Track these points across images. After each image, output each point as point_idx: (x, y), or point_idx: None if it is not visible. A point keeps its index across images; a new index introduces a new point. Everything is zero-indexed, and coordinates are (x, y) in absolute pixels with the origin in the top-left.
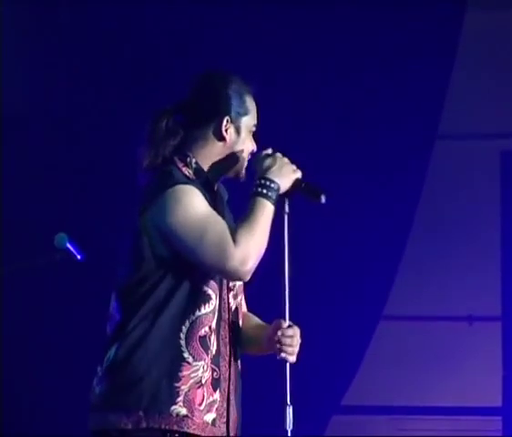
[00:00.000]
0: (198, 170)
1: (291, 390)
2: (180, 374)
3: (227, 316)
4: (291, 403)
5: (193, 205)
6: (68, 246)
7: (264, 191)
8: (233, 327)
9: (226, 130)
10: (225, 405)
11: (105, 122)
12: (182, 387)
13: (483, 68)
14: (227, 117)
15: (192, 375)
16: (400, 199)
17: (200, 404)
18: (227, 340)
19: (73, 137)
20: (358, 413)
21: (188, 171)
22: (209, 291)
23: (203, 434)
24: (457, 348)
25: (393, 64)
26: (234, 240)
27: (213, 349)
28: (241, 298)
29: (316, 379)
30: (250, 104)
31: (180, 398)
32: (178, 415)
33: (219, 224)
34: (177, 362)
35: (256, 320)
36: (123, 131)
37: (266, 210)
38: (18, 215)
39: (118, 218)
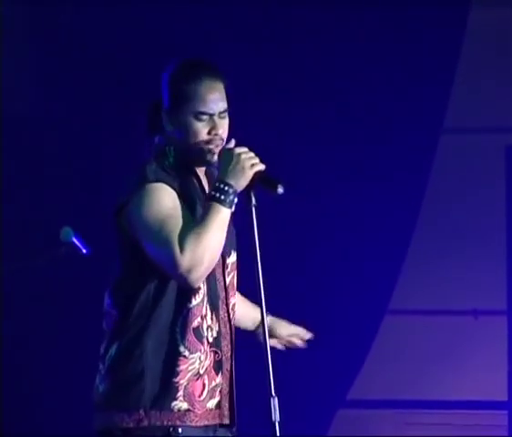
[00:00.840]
0: (177, 160)
1: (295, 383)
2: (178, 369)
3: (224, 294)
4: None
5: (153, 207)
6: (74, 240)
7: (217, 195)
8: (229, 305)
9: (167, 121)
10: (228, 384)
11: (105, 120)
12: (181, 381)
13: (488, 63)
14: (165, 108)
15: (190, 368)
16: (405, 194)
17: (201, 395)
18: (226, 319)
19: (73, 136)
20: (363, 407)
21: (167, 161)
22: None
23: (207, 423)
24: (463, 342)
25: (397, 59)
26: (181, 248)
27: (212, 333)
28: (234, 275)
29: (322, 373)
30: (193, 90)
31: (180, 392)
32: (179, 410)
33: (172, 229)
34: (174, 357)
35: (247, 304)
36: (124, 129)
37: (219, 215)
38: (19, 212)
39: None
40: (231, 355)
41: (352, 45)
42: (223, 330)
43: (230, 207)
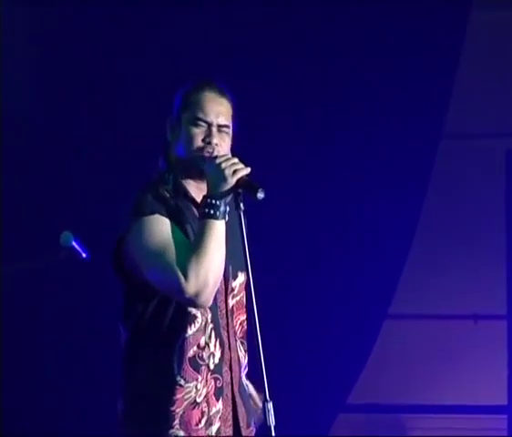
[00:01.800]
0: (176, 185)
1: (295, 387)
2: (174, 398)
3: (225, 321)
4: (271, 399)
5: (151, 239)
6: (74, 244)
7: (207, 210)
8: (230, 331)
9: (169, 130)
10: (229, 410)
11: (106, 121)
12: (177, 410)
13: (487, 67)
14: (168, 119)
15: (186, 397)
16: (405, 199)
17: (198, 424)
18: (227, 345)
19: (73, 138)
20: (363, 412)
21: (165, 188)
22: (194, 311)
23: None
24: (463, 346)
25: (397, 64)
26: (184, 275)
27: (214, 359)
28: (242, 295)
29: (322, 377)
30: (195, 98)
31: (176, 421)
32: None
33: (173, 259)
34: (170, 386)
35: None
36: (125, 130)
37: (214, 231)
38: (19, 215)
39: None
40: (231, 380)
41: (350, 47)
42: (225, 355)
43: (223, 218)
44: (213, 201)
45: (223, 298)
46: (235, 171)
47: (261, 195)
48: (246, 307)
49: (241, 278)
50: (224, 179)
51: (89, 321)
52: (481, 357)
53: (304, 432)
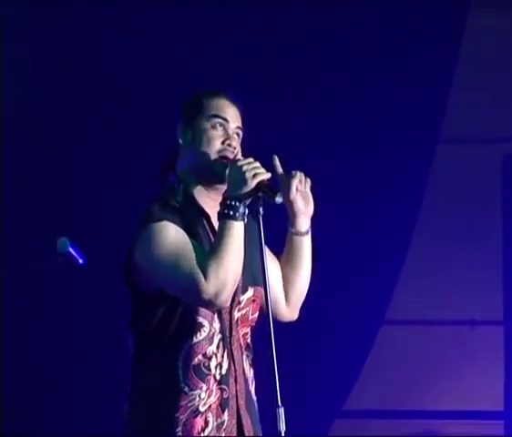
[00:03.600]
0: (186, 196)
1: (291, 393)
2: (179, 404)
3: (229, 333)
4: (283, 405)
5: (164, 243)
6: (70, 250)
7: (227, 211)
8: (233, 343)
9: (182, 136)
10: (234, 422)
11: (106, 123)
12: (181, 417)
13: (485, 72)
14: (179, 122)
15: (189, 405)
16: (402, 204)
17: (200, 432)
18: (231, 357)
19: (74, 138)
20: (360, 417)
21: (175, 199)
22: (200, 319)
23: None
24: (459, 352)
25: (394, 67)
26: (204, 275)
27: (221, 370)
28: (249, 309)
29: (318, 382)
30: (210, 102)
31: (179, 428)
32: None
33: (190, 260)
34: (175, 392)
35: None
36: (124, 133)
37: (233, 232)
38: (18, 219)
39: (119, 221)
40: (237, 392)
41: (347, 49)
42: (232, 367)
43: (242, 219)
44: (232, 202)
45: (228, 310)
46: (255, 175)
47: (279, 199)
48: (252, 320)
49: (250, 293)
50: (244, 182)
51: (87, 325)
52: (478, 363)
53: None
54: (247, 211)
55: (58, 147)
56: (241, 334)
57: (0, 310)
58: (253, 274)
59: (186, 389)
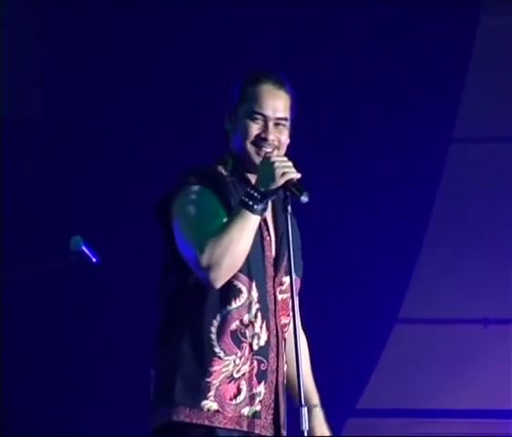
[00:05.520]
0: (234, 167)
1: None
2: (212, 369)
3: (273, 307)
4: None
5: (186, 208)
6: (83, 248)
7: (246, 200)
8: (278, 319)
9: (228, 121)
10: (273, 397)
11: (109, 122)
12: (213, 382)
13: (498, 71)
14: (228, 109)
15: (223, 370)
16: (415, 203)
17: (233, 398)
18: (275, 332)
19: (75, 138)
20: (373, 416)
21: (223, 169)
22: (240, 285)
23: (239, 428)
24: (472, 350)
25: (407, 68)
26: (201, 248)
27: (259, 341)
28: (289, 296)
29: (332, 381)
30: (252, 91)
31: (211, 393)
32: (209, 410)
33: (200, 230)
34: (208, 357)
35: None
36: (128, 131)
37: (244, 221)
38: (19, 220)
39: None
40: (277, 368)
41: (361, 51)
42: (272, 341)
43: (259, 214)
44: (255, 194)
45: (272, 284)
46: (284, 173)
47: (305, 198)
48: (289, 312)
49: (289, 279)
50: (272, 178)
51: (89, 323)
52: (491, 361)
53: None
54: (266, 208)
55: (59, 146)
56: (282, 322)
57: (1, 310)
58: (295, 264)
59: (221, 354)
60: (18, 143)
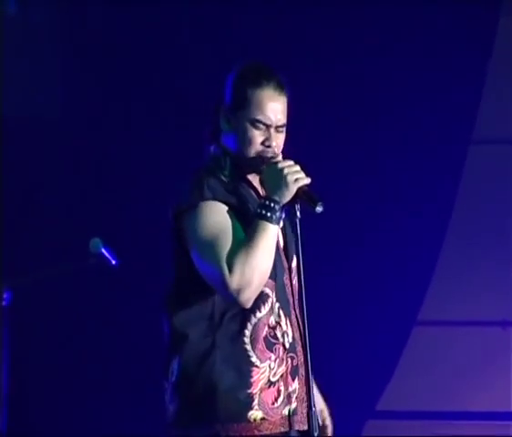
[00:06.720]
0: (233, 170)
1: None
2: (251, 380)
3: (292, 300)
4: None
5: (206, 226)
6: (103, 251)
7: (264, 212)
8: (296, 309)
9: (224, 120)
10: (305, 389)
11: (115, 122)
12: (254, 391)
13: None
14: (225, 106)
15: (261, 377)
16: (434, 205)
17: (274, 402)
18: (296, 324)
19: (76, 139)
20: (392, 418)
21: (223, 173)
22: (267, 290)
23: (283, 429)
24: (491, 353)
25: (427, 69)
26: (230, 269)
27: (288, 338)
28: (296, 279)
29: (351, 383)
30: (254, 96)
31: (255, 402)
32: (255, 420)
33: (222, 248)
34: (246, 368)
35: None
36: (134, 130)
37: (267, 233)
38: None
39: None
40: (305, 359)
41: (379, 51)
42: (296, 335)
43: (277, 223)
44: (272, 204)
45: (288, 276)
46: (297, 179)
47: (319, 208)
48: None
49: (294, 261)
50: (286, 185)
51: (90, 323)
52: (509, 363)
53: None
54: (283, 215)
55: (59, 145)
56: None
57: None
58: (291, 244)
59: (258, 362)
60: (18, 143)
